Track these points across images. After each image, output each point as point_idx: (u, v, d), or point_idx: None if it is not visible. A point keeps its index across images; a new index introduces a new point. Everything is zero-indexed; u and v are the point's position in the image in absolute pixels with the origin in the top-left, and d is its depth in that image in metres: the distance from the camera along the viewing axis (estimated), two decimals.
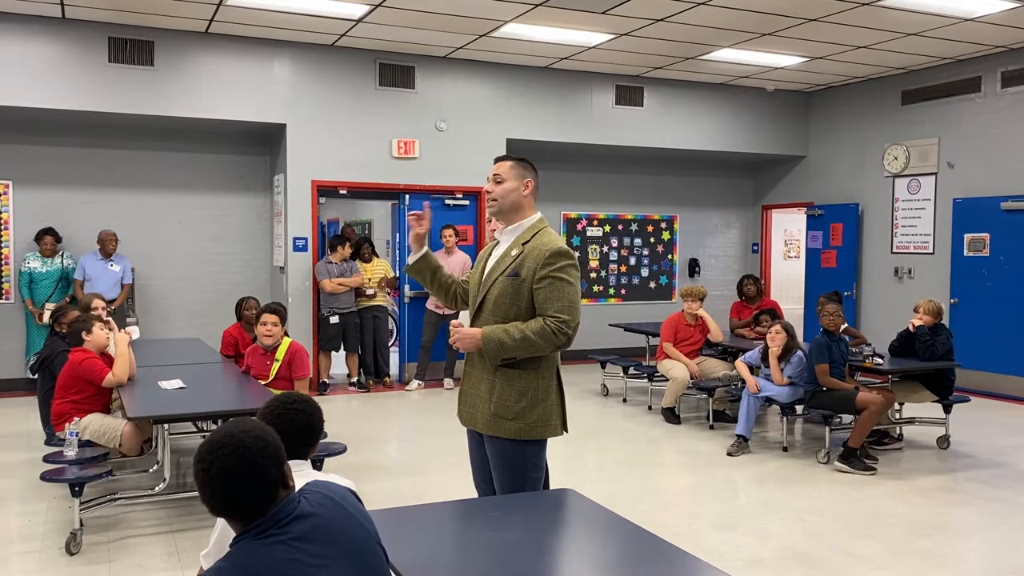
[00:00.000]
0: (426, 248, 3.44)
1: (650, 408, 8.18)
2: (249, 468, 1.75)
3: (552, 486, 3.33)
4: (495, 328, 3.13)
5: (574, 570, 2.42)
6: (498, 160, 3.34)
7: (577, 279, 3.19)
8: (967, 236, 9.36)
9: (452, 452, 6.60)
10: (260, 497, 1.77)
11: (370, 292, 9.14)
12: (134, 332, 5.43)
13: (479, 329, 3.17)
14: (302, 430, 2.46)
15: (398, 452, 6.81)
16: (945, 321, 7.48)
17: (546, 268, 3.10)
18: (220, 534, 2.35)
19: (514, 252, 3.20)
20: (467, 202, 9.83)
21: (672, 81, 10.64)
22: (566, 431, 3.34)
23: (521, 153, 3.50)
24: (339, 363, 9.46)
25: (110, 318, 5.94)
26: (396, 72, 9.34)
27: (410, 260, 3.45)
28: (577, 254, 11.38)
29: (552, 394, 3.25)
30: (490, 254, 3.38)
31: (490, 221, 3.81)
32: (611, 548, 2.56)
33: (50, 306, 8.29)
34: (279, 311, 5.75)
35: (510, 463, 3.20)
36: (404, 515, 2.82)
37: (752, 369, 6.86)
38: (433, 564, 2.33)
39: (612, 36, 8.53)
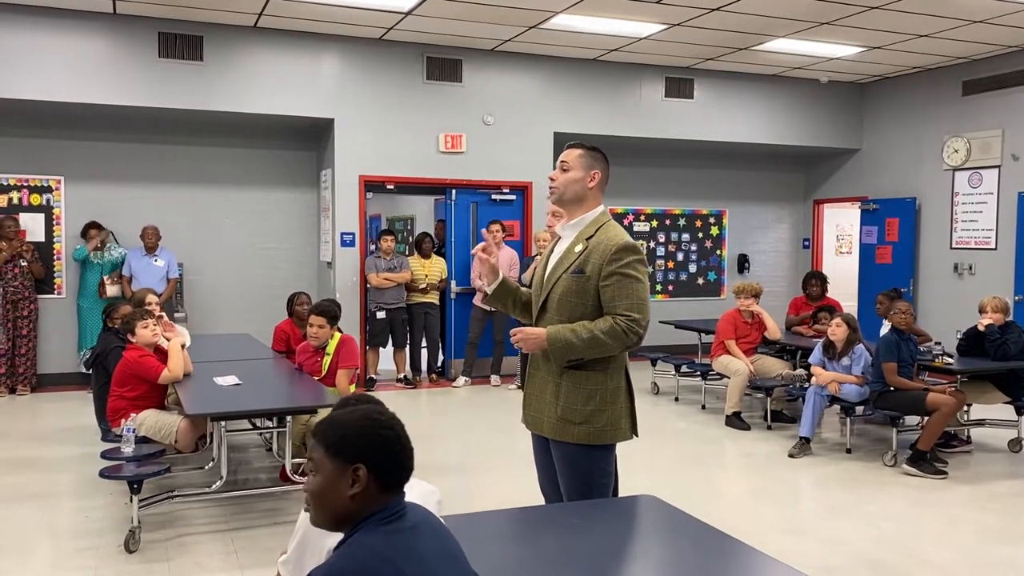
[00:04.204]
0: (501, 275, 3.30)
1: (704, 407, 8.00)
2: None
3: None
4: (561, 328, 2.99)
5: None
6: (569, 146, 3.19)
7: (645, 275, 3.04)
8: None
9: (500, 452, 6.50)
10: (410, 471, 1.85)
11: (422, 287, 9.05)
12: (185, 337, 5.38)
13: (544, 329, 3.03)
14: None
15: (446, 451, 6.69)
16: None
17: (613, 264, 2.96)
18: (300, 541, 2.26)
19: (577, 248, 3.06)
20: (514, 197, 9.70)
21: (723, 73, 10.41)
22: (636, 435, 3.21)
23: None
24: (388, 360, 9.41)
25: (163, 313, 5.92)
26: (443, 66, 9.24)
27: (488, 290, 3.31)
28: None
29: (621, 396, 3.11)
30: (551, 251, 3.25)
31: (551, 221, 3.67)
32: (703, 560, 2.42)
33: (109, 280, 8.37)
34: (327, 311, 5.63)
35: (577, 469, 3.07)
36: (479, 520, 2.70)
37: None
38: (518, 574, 2.21)
39: (664, 27, 8.34)
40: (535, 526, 2.66)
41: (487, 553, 2.28)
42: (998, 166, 9.49)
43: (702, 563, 2.37)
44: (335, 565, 1.70)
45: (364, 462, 1.73)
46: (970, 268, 9.80)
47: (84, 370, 8.05)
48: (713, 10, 7.74)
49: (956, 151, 9.91)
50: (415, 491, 2.38)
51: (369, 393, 2.57)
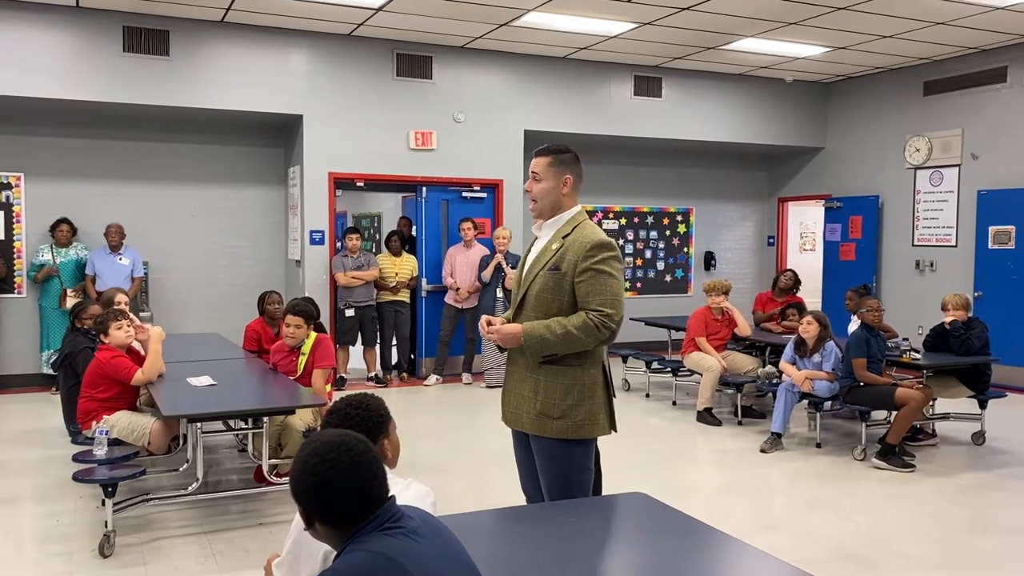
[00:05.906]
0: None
1: (674, 403, 8.07)
2: (369, 466, 1.73)
3: None
4: (536, 324, 3.06)
5: None
6: (538, 154, 3.22)
7: (620, 271, 3.10)
8: (992, 228, 9.24)
9: (473, 450, 6.50)
10: (379, 494, 1.74)
11: (392, 285, 8.99)
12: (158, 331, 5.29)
13: (520, 325, 3.09)
14: (374, 430, 2.38)
15: (420, 450, 6.62)
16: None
17: (587, 261, 3.03)
18: (294, 543, 2.23)
19: (554, 246, 3.13)
20: (485, 194, 9.68)
21: (691, 72, 10.50)
22: (615, 430, 3.24)
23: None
24: (358, 359, 9.33)
25: (131, 315, 5.81)
26: (414, 62, 9.19)
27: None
28: None
29: (599, 390, 3.16)
30: (529, 250, 3.28)
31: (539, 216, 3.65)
32: (699, 557, 2.44)
33: (72, 294, 8.16)
34: (305, 311, 5.55)
35: (557, 464, 3.12)
36: (471, 520, 2.70)
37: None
38: (519, 572, 2.20)
39: (635, 25, 8.38)
40: (529, 525, 2.66)
41: (483, 553, 2.27)
42: (958, 165, 9.70)
43: (699, 560, 2.39)
44: (339, 570, 1.68)
45: (310, 512, 1.72)
46: (931, 265, 10.01)
47: (50, 371, 7.87)
48: (683, 9, 7.80)
49: (918, 150, 10.11)
50: (410, 492, 2.37)
51: (367, 392, 2.55)
